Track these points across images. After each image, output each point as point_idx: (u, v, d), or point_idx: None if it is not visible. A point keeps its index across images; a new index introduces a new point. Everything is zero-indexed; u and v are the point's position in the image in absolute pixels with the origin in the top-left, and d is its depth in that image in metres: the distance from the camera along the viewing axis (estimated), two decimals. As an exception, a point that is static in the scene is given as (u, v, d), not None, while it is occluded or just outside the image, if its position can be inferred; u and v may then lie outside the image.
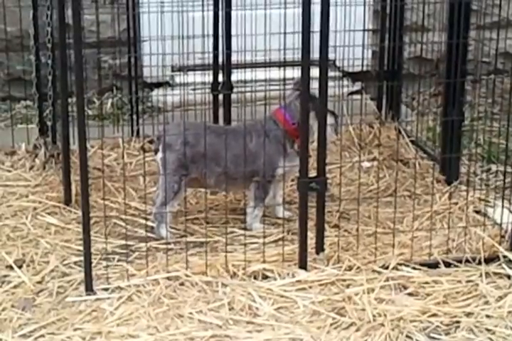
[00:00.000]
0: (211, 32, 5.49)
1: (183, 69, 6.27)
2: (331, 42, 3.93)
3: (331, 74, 6.01)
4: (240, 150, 4.27)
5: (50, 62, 4.94)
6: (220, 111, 5.64)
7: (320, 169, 3.92)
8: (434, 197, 4.68)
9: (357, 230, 4.30)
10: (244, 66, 5.72)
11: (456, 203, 4.68)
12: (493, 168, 5.25)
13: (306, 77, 3.92)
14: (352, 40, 5.41)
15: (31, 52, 5.47)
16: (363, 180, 5.18)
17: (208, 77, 5.69)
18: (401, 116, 5.86)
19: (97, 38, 5.81)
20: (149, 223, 4.51)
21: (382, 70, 5.87)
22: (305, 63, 3.88)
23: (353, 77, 6.85)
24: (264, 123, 4.38)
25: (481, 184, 4.97)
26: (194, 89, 5.60)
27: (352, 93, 6.74)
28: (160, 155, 4.38)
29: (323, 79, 3.93)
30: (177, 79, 6.49)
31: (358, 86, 6.92)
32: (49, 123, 5.21)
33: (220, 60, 5.53)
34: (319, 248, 4.03)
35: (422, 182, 5.02)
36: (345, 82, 6.60)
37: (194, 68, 6.02)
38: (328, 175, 4.08)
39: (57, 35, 4.71)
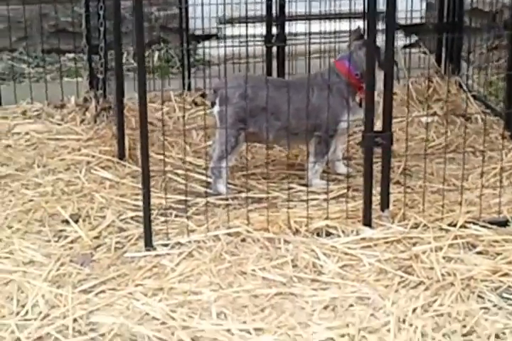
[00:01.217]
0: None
1: (233, 21, 6.16)
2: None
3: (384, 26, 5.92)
4: (301, 104, 4.17)
5: (101, 12, 4.84)
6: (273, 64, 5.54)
7: (386, 123, 3.81)
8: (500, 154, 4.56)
9: (422, 187, 4.21)
10: (298, 18, 5.60)
11: (524, 160, 4.58)
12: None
13: (372, 27, 3.79)
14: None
15: (78, 4, 5.38)
16: (424, 135, 5.07)
17: (259, 29, 5.58)
18: (462, 69, 5.71)
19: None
20: (205, 178, 4.46)
21: (442, 22, 5.71)
22: (372, 13, 3.75)
23: (407, 29, 6.70)
24: (328, 75, 4.25)
25: (548, 140, 4.85)
26: (246, 42, 5.48)
27: (406, 46, 6.60)
28: (217, 108, 4.29)
29: (390, 30, 3.80)
30: (226, 31, 6.38)
31: (412, 39, 6.78)
32: (100, 76, 5.13)
33: (274, 11, 5.41)
34: (384, 205, 3.94)
35: (486, 138, 4.89)
36: (399, 35, 6.47)
37: (244, 20, 5.92)
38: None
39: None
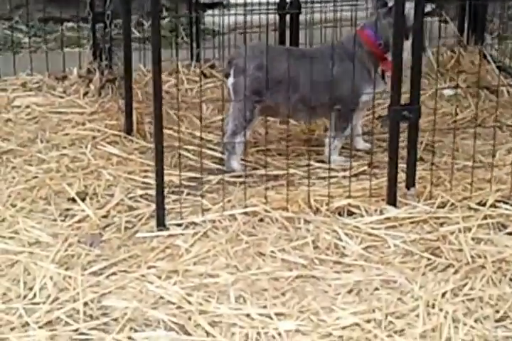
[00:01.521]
0: None
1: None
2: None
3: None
4: (321, 75, 4.10)
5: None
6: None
7: (414, 96, 3.74)
8: (529, 129, 4.51)
9: (447, 163, 4.15)
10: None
11: (554, 136, 4.52)
12: None
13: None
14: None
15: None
16: (446, 109, 5.01)
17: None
18: (486, 39, 5.62)
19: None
20: (217, 154, 4.40)
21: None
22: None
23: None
24: (352, 44, 4.14)
25: None
26: (259, 10, 5.38)
27: (424, 14, 6.49)
28: (231, 80, 4.21)
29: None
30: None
31: (430, 6, 6.67)
32: (106, 46, 5.03)
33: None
34: (410, 182, 3.87)
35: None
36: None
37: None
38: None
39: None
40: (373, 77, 4.18)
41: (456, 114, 4.91)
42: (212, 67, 5.45)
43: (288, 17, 5.35)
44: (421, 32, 3.75)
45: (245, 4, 5.76)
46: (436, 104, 4.26)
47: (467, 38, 5.63)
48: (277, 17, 5.42)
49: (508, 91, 5.04)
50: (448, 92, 5.18)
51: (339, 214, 3.84)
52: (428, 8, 6.59)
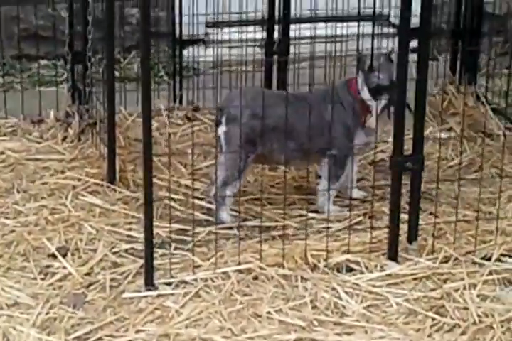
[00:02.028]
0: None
1: (220, 24, 5.97)
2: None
3: (384, 30, 5.76)
4: (317, 122, 4.02)
5: (90, 18, 4.62)
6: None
7: (416, 146, 3.66)
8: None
9: (451, 213, 4.07)
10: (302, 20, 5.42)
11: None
12: None
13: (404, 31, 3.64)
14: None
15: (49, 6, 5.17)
16: (440, 154, 4.92)
17: (251, 34, 5.40)
18: (478, 80, 5.55)
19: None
20: (204, 203, 4.28)
21: (458, 27, 5.55)
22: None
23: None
24: (345, 91, 4.12)
25: None
26: (247, 46, 5.28)
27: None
28: (223, 128, 4.09)
29: (424, 40, 3.66)
30: (215, 36, 6.18)
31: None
32: (87, 88, 4.88)
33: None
34: (412, 236, 3.78)
35: (511, 157, 4.76)
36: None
37: (236, 23, 5.74)
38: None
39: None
40: (363, 126, 4.13)
41: (452, 159, 4.85)
42: (196, 109, 5.34)
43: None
44: (426, 75, 3.65)
45: (230, 41, 5.75)
46: (440, 150, 4.18)
47: (459, 78, 5.55)
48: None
49: (504, 135, 4.96)
50: (442, 136, 5.09)
51: (338, 270, 3.72)
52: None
